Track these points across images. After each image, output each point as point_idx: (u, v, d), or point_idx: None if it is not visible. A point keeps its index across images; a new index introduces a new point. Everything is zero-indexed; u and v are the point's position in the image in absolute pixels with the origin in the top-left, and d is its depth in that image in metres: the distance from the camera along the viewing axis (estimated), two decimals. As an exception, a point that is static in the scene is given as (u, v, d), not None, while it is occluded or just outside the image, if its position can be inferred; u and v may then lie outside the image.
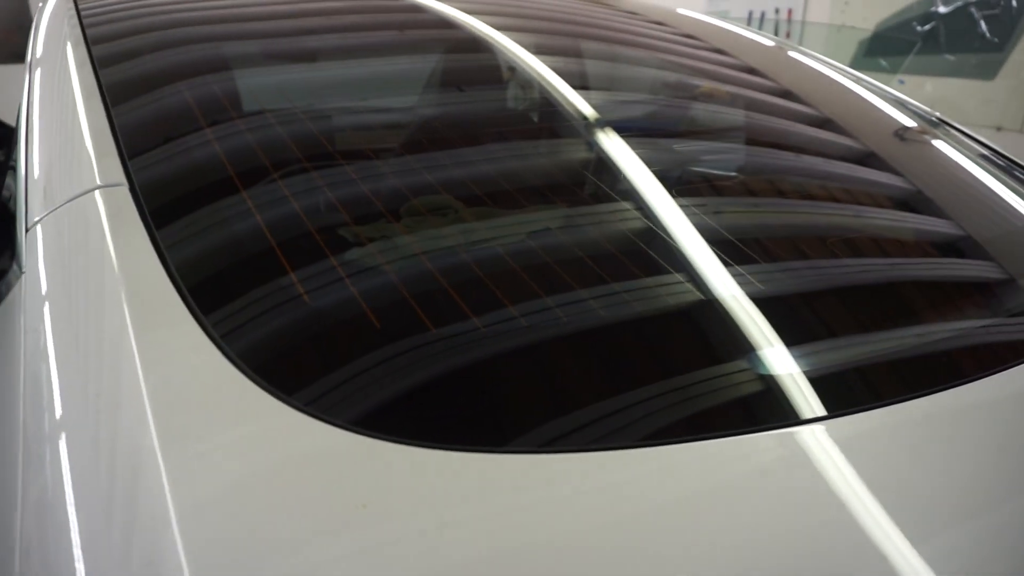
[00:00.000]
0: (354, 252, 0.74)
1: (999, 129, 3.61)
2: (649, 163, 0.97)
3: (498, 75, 1.26)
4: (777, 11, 4.98)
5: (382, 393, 0.59)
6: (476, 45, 1.31)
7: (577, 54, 1.44)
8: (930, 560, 0.51)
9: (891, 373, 0.75)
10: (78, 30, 1.08)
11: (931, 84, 3.93)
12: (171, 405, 0.52)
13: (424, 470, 0.51)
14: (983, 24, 3.68)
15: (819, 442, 0.60)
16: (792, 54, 1.60)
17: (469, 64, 1.29)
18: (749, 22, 5.06)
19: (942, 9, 3.84)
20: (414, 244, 0.76)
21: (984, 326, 0.86)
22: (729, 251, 0.83)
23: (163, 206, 0.72)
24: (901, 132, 1.30)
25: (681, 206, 0.89)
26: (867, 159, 1.17)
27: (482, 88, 1.24)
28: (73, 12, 1.16)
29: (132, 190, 0.72)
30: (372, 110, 1.07)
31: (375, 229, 0.77)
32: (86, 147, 0.80)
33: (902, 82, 4.10)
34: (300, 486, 0.48)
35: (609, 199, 0.95)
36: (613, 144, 1.01)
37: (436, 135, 1.05)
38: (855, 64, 4.34)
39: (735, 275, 0.79)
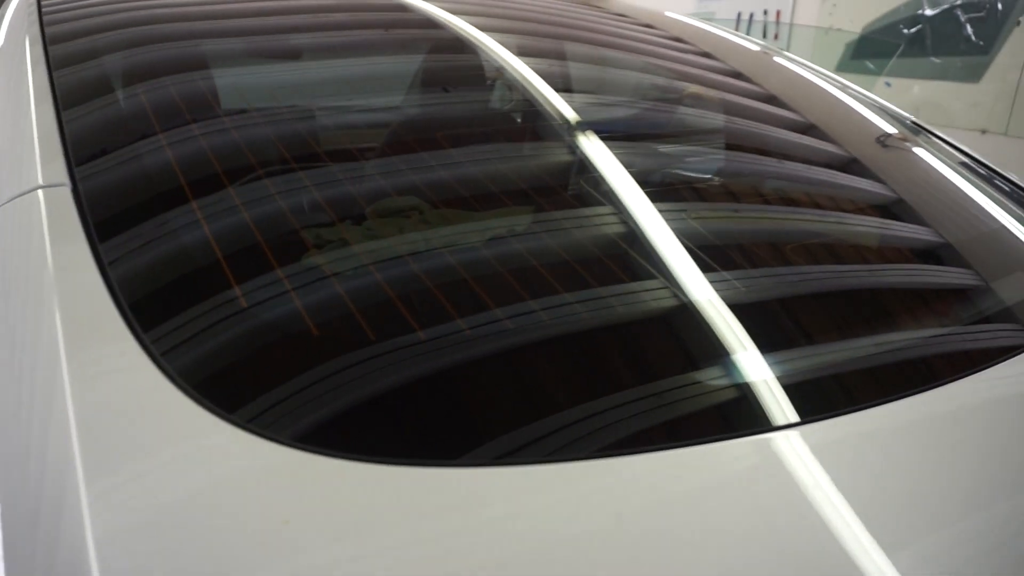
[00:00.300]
0: (302, 264, 0.72)
1: (984, 132, 3.61)
2: (614, 167, 0.96)
3: (478, 77, 1.24)
4: (766, 12, 4.98)
5: (328, 407, 0.57)
6: (458, 46, 1.29)
7: (560, 56, 1.43)
8: (903, 567, 0.50)
9: (859, 379, 0.74)
10: (36, 27, 1.06)
11: (918, 87, 3.94)
12: (100, 425, 0.50)
13: (367, 486, 0.49)
14: (968, 27, 3.68)
15: (788, 449, 0.58)
16: (775, 58, 1.60)
17: (449, 66, 1.27)
18: (738, 23, 5.06)
19: (928, 12, 3.84)
20: (361, 255, 0.75)
21: (953, 332, 0.85)
22: (693, 256, 0.81)
23: (105, 209, 0.70)
24: (874, 136, 1.30)
25: (648, 210, 0.88)
26: (838, 162, 1.16)
27: (462, 90, 1.22)
28: (35, 9, 1.14)
29: (75, 191, 0.70)
30: (326, 114, 1.05)
31: (324, 240, 0.76)
32: (32, 146, 0.78)
33: (889, 84, 4.10)
34: (232, 505, 0.47)
35: (573, 204, 0.93)
36: (585, 147, 1.00)
37: (398, 140, 1.03)
38: (842, 66, 4.34)
39: (699, 281, 0.78)
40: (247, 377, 0.60)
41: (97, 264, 0.62)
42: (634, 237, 0.84)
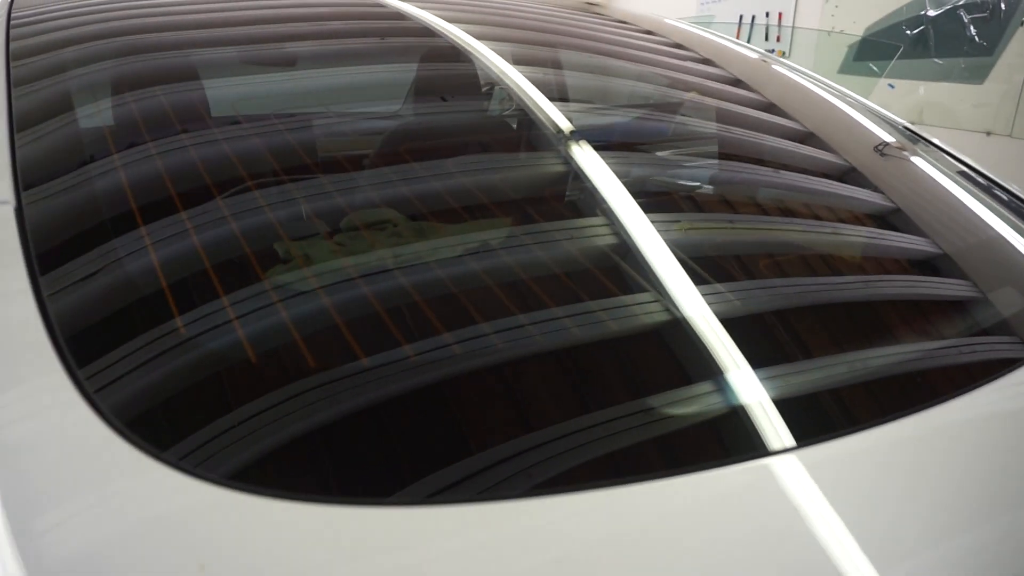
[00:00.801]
0: (249, 295, 0.69)
1: (989, 134, 3.56)
2: (608, 177, 0.93)
3: (475, 86, 1.22)
4: (768, 15, 4.95)
5: (262, 444, 0.54)
6: (454, 55, 1.27)
7: (558, 64, 1.41)
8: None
9: (856, 397, 0.71)
10: (1, 43, 1.04)
11: (922, 88, 3.90)
12: (21, 467, 0.47)
13: (294, 526, 0.46)
14: (972, 28, 3.64)
15: (774, 477, 0.56)
16: (773, 66, 1.58)
17: (446, 74, 1.25)
18: (740, 26, 5.04)
19: (931, 13, 3.80)
20: (307, 279, 0.72)
21: (951, 346, 0.82)
22: (680, 270, 0.78)
23: (49, 233, 0.68)
24: (871, 144, 1.27)
25: (637, 222, 0.85)
26: (834, 171, 1.13)
27: (459, 100, 1.20)
28: (3, 24, 1.12)
29: (18, 211, 0.68)
30: (285, 132, 1.02)
31: (270, 271, 0.73)
32: None
33: (892, 87, 4.06)
34: (157, 546, 0.44)
35: (550, 217, 0.91)
36: (580, 157, 0.97)
37: (361, 159, 1.01)
38: (845, 68, 4.31)
39: (680, 296, 0.75)
40: (181, 415, 0.57)
41: (34, 290, 0.59)
42: (607, 251, 0.81)
